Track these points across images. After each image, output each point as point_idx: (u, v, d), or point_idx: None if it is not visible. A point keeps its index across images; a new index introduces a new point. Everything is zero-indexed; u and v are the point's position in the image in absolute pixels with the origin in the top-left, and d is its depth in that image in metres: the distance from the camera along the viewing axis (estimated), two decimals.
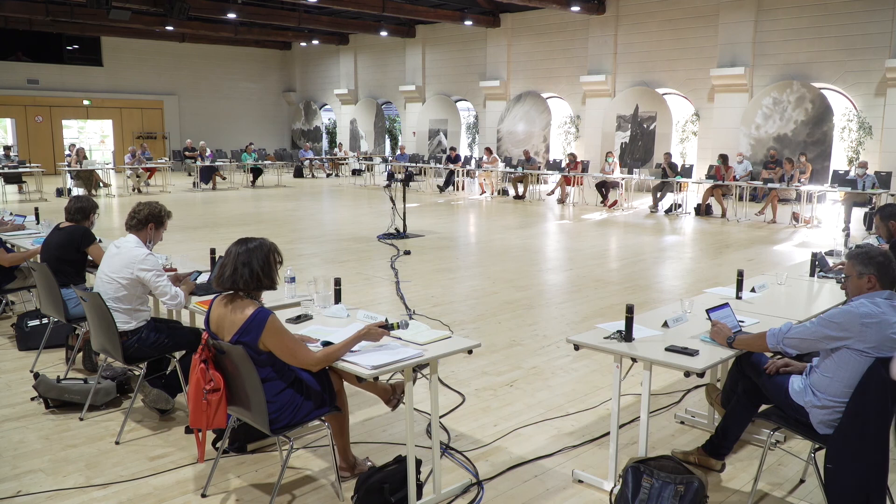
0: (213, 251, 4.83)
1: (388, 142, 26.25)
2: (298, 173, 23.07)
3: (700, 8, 17.12)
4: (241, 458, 3.71)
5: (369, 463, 3.55)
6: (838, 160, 15.33)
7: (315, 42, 26.51)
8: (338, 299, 3.97)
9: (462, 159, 18.97)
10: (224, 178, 20.34)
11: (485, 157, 18.07)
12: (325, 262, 9.07)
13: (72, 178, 17.32)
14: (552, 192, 17.05)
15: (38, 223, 7.07)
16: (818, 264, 4.91)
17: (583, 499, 3.35)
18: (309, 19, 21.55)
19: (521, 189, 17.06)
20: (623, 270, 8.76)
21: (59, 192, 16.52)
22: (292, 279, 4.17)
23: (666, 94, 18.24)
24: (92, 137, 25.81)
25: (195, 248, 9.54)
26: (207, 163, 19.14)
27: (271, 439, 3.80)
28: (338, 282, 4.01)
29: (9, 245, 5.99)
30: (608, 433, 3.86)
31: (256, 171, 20.20)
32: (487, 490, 3.40)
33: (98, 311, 3.95)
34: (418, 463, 3.23)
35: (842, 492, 2.88)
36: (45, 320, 5.38)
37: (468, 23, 20.60)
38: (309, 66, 29.05)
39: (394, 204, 11.30)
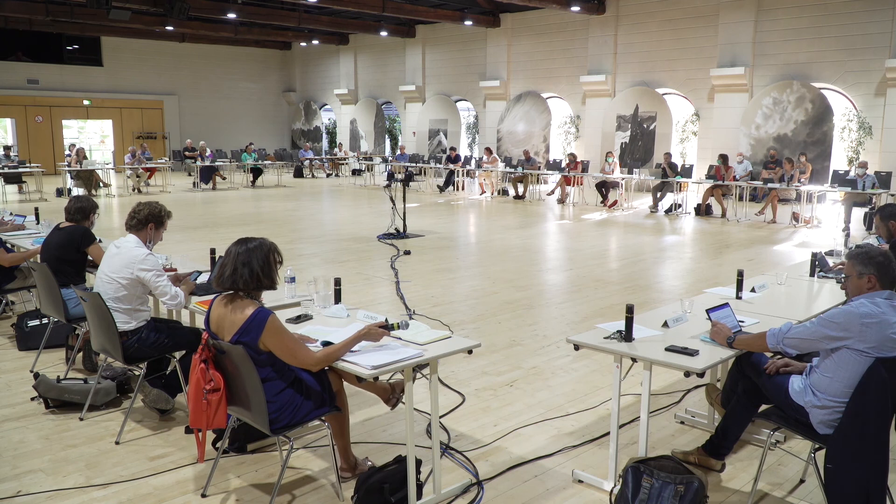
0: (213, 251, 4.83)
1: (388, 142, 26.26)
2: (298, 173, 23.07)
3: (700, 8, 17.12)
4: (241, 458, 3.71)
5: (369, 463, 3.55)
6: (838, 160, 15.33)
7: (315, 42, 26.52)
8: (338, 299, 3.97)
9: (462, 159, 18.97)
10: (224, 178, 20.35)
11: (485, 157, 18.07)
12: (325, 262, 9.07)
13: (72, 178, 17.32)
14: (552, 192, 17.05)
15: (38, 223, 7.07)
16: (818, 264, 4.91)
17: (583, 499, 3.35)
18: (309, 19, 21.55)
19: (521, 189, 17.06)
20: (623, 270, 8.76)
21: (59, 192, 16.52)
22: (292, 279, 4.17)
23: (666, 94, 18.24)
24: (92, 137, 25.81)
25: (195, 248, 9.55)
26: (207, 163, 19.14)
27: (271, 439, 3.80)
28: (338, 282, 4.01)
29: (9, 245, 5.99)
30: (608, 433, 3.86)
31: (256, 171, 20.20)
32: (487, 490, 3.40)
33: (98, 311, 3.95)
34: (418, 463, 3.23)
35: (842, 492, 2.88)
36: (45, 320, 5.38)
37: (468, 23, 20.61)
38: (309, 66, 29.06)
39: (394, 204, 11.31)
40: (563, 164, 16.37)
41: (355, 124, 26.48)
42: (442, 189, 18.67)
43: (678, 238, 11.60)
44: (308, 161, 23.56)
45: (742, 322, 3.57)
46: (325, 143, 28.04)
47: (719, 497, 3.35)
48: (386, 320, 3.32)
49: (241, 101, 28.62)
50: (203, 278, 4.45)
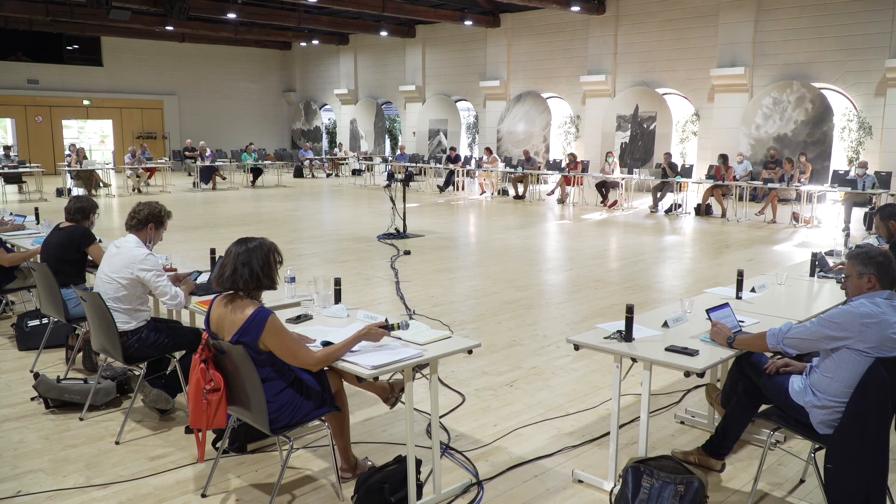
0: (213, 251, 4.83)
1: (388, 142, 26.26)
2: (298, 173, 23.08)
3: (700, 8, 17.12)
4: (241, 458, 3.71)
5: (369, 463, 3.55)
6: (838, 160, 15.33)
7: (315, 42, 26.52)
8: (338, 299, 3.97)
9: (462, 159, 18.97)
10: (224, 178, 20.35)
11: (485, 157, 18.07)
12: (325, 262, 9.07)
13: (72, 178, 17.32)
14: (552, 192, 17.05)
15: (38, 223, 7.07)
16: (818, 264, 4.91)
17: (583, 499, 3.35)
18: (309, 19, 21.55)
19: (521, 189, 17.06)
20: (623, 270, 8.76)
21: (59, 192, 16.52)
22: (292, 279, 4.17)
23: (666, 94, 18.24)
24: (92, 137, 25.81)
25: (195, 248, 9.55)
26: (207, 163, 19.14)
27: (271, 439, 3.80)
28: (338, 282, 4.01)
29: (9, 245, 5.99)
30: (608, 433, 3.86)
31: (256, 171, 20.20)
32: (487, 490, 3.40)
33: (98, 311, 3.95)
34: (418, 463, 3.23)
35: (842, 492, 2.88)
36: (45, 320, 5.38)
37: (468, 23, 20.61)
38: (309, 66, 29.06)
39: (394, 204, 11.31)
40: (563, 164, 16.36)
41: (355, 124, 26.48)
42: (442, 189, 18.68)
43: (678, 238, 11.60)
44: (308, 161, 23.56)
45: (742, 322, 3.57)
46: (325, 143, 28.04)
47: (719, 497, 3.35)
48: (386, 320, 3.32)
49: (241, 101, 28.63)
50: (203, 278, 4.45)
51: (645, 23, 18.21)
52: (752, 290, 4.40)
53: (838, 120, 15.30)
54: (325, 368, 3.22)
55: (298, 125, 29.07)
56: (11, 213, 7.53)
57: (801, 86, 15.54)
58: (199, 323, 4.03)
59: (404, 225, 11.20)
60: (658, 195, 14.69)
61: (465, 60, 22.88)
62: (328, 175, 23.92)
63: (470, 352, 3.41)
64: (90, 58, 25.11)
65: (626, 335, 3.32)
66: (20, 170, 16.69)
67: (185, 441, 3.90)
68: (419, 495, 3.21)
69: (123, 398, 4.44)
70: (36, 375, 4.43)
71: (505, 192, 17.81)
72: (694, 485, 2.94)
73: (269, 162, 21.42)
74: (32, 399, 4.44)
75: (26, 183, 16.60)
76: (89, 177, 17.09)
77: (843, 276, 3.37)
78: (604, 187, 15.54)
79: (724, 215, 13.66)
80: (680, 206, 14.39)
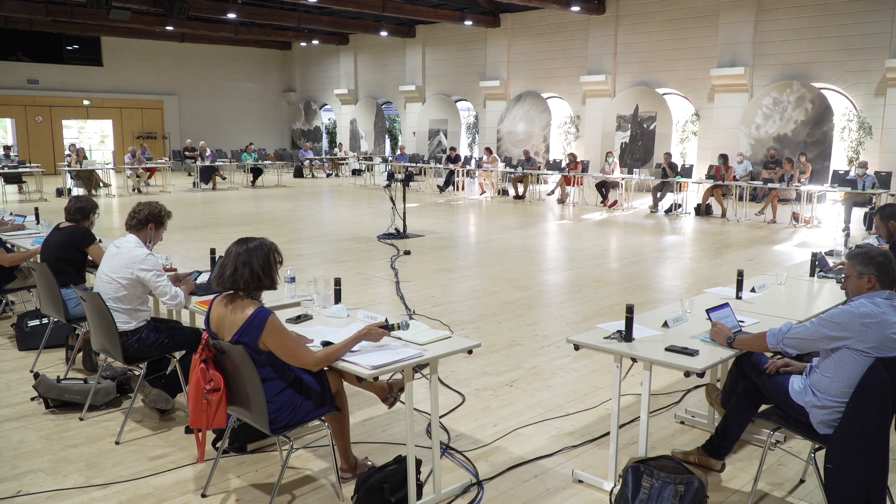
0: (213, 251, 4.83)
1: (388, 142, 26.26)
2: (298, 173, 23.08)
3: (700, 8, 17.12)
4: (241, 458, 3.71)
5: (369, 463, 3.55)
6: (838, 160, 15.33)
7: (315, 42, 26.52)
8: (338, 299, 3.97)
9: (462, 159, 18.97)
10: (224, 178, 20.35)
11: (485, 157, 18.07)
12: (325, 262, 9.07)
13: (72, 178, 17.32)
14: (552, 192, 17.05)
15: (38, 223, 7.07)
16: (818, 264, 4.91)
17: (583, 499, 3.35)
18: (309, 19, 21.55)
19: (521, 189, 17.06)
20: (623, 270, 8.76)
21: (59, 192, 16.52)
22: (292, 279, 4.17)
23: (666, 94, 18.24)
24: (92, 137, 25.81)
25: (195, 248, 9.55)
26: (207, 163, 19.14)
27: (271, 439, 3.80)
28: (338, 282, 4.01)
29: (9, 245, 5.99)
30: (608, 433, 3.86)
31: (256, 171, 20.20)
32: (487, 490, 3.40)
33: (98, 311, 3.95)
34: (418, 463, 3.23)
35: (842, 492, 2.88)
36: (45, 320, 5.38)
37: (468, 23, 20.60)
38: (309, 66, 29.06)
39: (394, 204, 11.31)
40: (563, 164, 16.36)
41: (355, 124, 26.48)
42: (442, 189, 18.67)
43: (678, 238, 11.60)
44: (308, 161, 23.57)
45: (742, 322, 3.57)
46: (325, 143, 28.04)
47: (719, 497, 3.35)
48: (386, 320, 3.32)
49: (241, 101, 28.63)
50: (203, 278, 4.45)
51: (645, 23, 18.21)
52: (752, 290, 4.40)
53: (838, 120, 15.30)
54: (325, 368, 3.22)
55: (298, 125, 29.07)
56: (11, 213, 7.53)
57: (801, 86, 15.54)
58: (199, 323, 4.03)
59: (404, 225, 11.20)
60: (658, 195, 14.69)
61: (465, 60, 22.88)
62: (328, 175, 23.92)
63: (470, 352, 3.41)
64: (90, 58, 25.11)
65: (626, 335, 3.32)
66: (20, 170, 16.69)
67: (185, 441, 3.90)
68: (419, 495, 3.21)
69: (123, 398, 4.44)
70: (36, 375, 4.43)
71: (505, 192, 17.81)
72: (694, 485, 2.94)
73: (269, 162, 21.43)
74: (32, 399, 4.44)
75: (26, 183, 16.60)
76: (89, 177, 17.09)
77: (843, 276, 3.37)
78: (604, 187, 15.54)
79: (724, 215, 13.66)
80: (680, 206, 14.39)
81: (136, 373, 4.50)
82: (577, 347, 3.42)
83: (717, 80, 16.75)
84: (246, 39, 26.56)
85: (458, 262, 9.20)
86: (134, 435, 3.98)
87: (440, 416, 4.08)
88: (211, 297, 3.63)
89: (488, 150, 18.23)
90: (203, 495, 3.34)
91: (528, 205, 16.00)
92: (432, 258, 9.38)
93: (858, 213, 12.18)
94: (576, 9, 18.05)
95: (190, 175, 21.54)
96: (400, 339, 3.32)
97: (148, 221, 4.18)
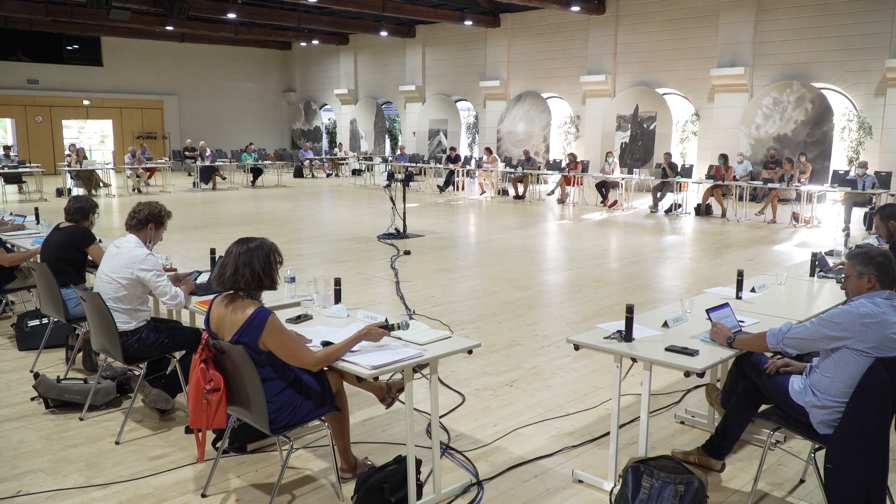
0: (213, 251, 4.83)
1: (388, 142, 26.26)
2: (298, 173, 23.08)
3: (700, 8, 17.12)
4: (241, 458, 3.71)
5: (369, 463, 3.55)
6: (838, 160, 15.33)
7: (315, 42, 26.52)
8: (338, 299, 3.97)
9: (462, 159, 18.97)
10: (224, 178, 20.35)
11: (485, 157, 18.07)
12: (325, 262, 9.07)
13: (72, 178, 17.32)
14: (552, 192, 17.05)
15: (38, 223, 7.07)
16: (818, 264, 4.91)
17: (583, 499, 3.35)
18: (309, 19, 21.55)
19: (521, 189, 17.06)
20: (623, 270, 8.76)
21: (59, 192, 16.52)
22: (292, 279, 4.17)
23: (666, 94, 18.24)
24: (92, 137, 25.81)
25: (195, 248, 9.55)
26: (207, 163, 19.14)
27: (271, 439, 3.80)
28: (338, 282, 4.01)
29: (9, 245, 5.99)
30: (608, 433, 3.86)
31: (256, 171, 20.20)
32: (487, 490, 3.40)
33: (98, 311, 3.95)
34: (418, 463, 3.23)
35: (842, 492, 2.88)
36: (45, 320, 5.38)
37: (468, 23, 20.60)
38: (309, 66, 29.06)
39: (394, 204, 11.31)
40: (563, 164, 16.36)
41: (355, 124, 26.48)
42: (442, 189, 18.67)
43: (678, 238, 11.60)
44: (308, 161, 23.57)
45: (742, 322, 3.57)
46: (325, 143, 28.04)
47: (719, 497, 3.35)
48: (386, 320, 3.32)
49: (241, 101, 28.63)
50: (203, 278, 4.45)
51: (645, 23, 18.21)
52: (752, 290, 4.40)
53: (838, 120, 15.30)
54: (325, 368, 3.22)
55: (298, 125, 29.07)
56: (11, 213, 7.53)
57: (801, 86, 15.54)
58: (199, 323, 4.03)
59: (404, 225, 11.20)
60: (658, 195, 14.69)
61: (465, 60, 22.88)
62: (328, 175, 23.92)
63: (470, 352, 3.41)
64: (90, 58, 25.11)
65: (626, 335, 3.32)
66: (20, 170, 16.69)
67: (185, 441, 3.90)
68: (419, 495, 3.21)
69: (123, 398, 4.44)
70: (36, 375, 4.43)
71: (505, 192, 17.81)
72: (694, 485, 2.94)
73: (269, 162, 21.43)
74: (32, 399, 4.44)
75: (26, 183, 16.60)
76: (89, 177, 17.09)
77: (843, 276, 3.37)
78: (604, 187, 15.54)
79: (724, 215, 13.66)
80: (680, 206, 14.39)
81: (136, 373, 4.50)
82: (577, 347, 3.42)
83: (717, 80, 16.75)
84: (246, 39, 26.56)
85: (458, 262, 9.20)
86: (134, 435, 3.98)
87: (440, 416, 4.08)
88: (211, 297, 3.63)
89: (488, 150, 18.23)
90: (203, 495, 3.34)
91: (528, 205, 16.00)
92: (432, 258, 9.38)
93: (858, 213, 12.18)
94: (576, 9, 18.05)
95: (190, 175, 21.54)
96: (400, 339, 3.32)
97: (148, 221, 4.19)
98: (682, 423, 4.20)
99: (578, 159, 16.39)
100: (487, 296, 7.32)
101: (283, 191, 18.90)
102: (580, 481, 3.49)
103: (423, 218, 13.23)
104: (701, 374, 3.24)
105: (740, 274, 4.33)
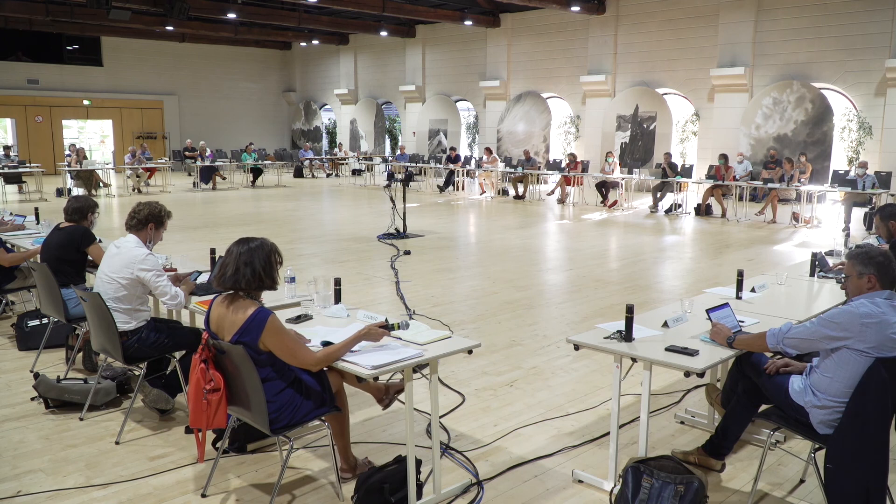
0: (213, 251, 4.83)
1: (388, 142, 26.26)
2: (298, 173, 23.08)
3: (700, 8, 17.12)
4: (241, 458, 3.71)
5: (369, 463, 3.55)
6: (838, 160, 15.33)
7: (315, 42, 26.52)
8: (338, 299, 3.97)
9: (462, 159, 18.97)
10: (224, 178, 20.35)
11: (485, 157, 18.07)
12: (325, 262, 9.07)
13: (72, 178, 17.32)
14: (552, 192, 17.05)
15: (38, 223, 7.07)
16: (818, 264, 4.91)
17: (583, 499, 3.35)
18: (309, 19, 21.55)
19: (521, 189, 17.06)
20: (623, 270, 8.76)
21: (59, 192, 16.52)
22: (292, 279, 4.17)
23: (666, 94, 18.24)
24: (92, 137, 25.81)
25: (195, 248, 9.55)
26: (207, 163, 19.14)
27: (271, 439, 3.80)
28: (338, 282, 4.01)
29: (9, 245, 5.99)
30: (608, 433, 3.86)
31: (256, 171, 20.20)
32: (487, 490, 3.40)
33: (98, 311, 3.95)
34: (418, 463, 3.23)
35: (842, 492, 2.88)
36: (45, 320, 5.38)
37: (468, 23, 20.60)
38: (309, 66, 29.06)
39: (394, 204, 11.31)
40: (563, 164, 16.36)
41: (355, 124, 26.48)
42: (442, 189, 18.67)
43: (678, 238, 11.60)
44: (308, 161, 23.56)
45: (742, 322, 3.57)
46: (325, 143, 28.04)
47: (719, 497, 3.35)
48: (386, 320, 3.32)
49: (241, 101, 28.63)
50: (203, 278, 4.45)
51: (645, 23, 18.21)
52: (752, 290, 4.40)
53: (838, 120, 15.30)
54: (325, 368, 3.22)
55: (298, 125, 29.07)
56: (11, 213, 7.53)
57: (801, 86, 15.54)
58: (199, 323, 4.03)
59: (404, 225, 11.20)
60: (658, 195, 14.69)
61: (465, 60, 22.88)
62: (328, 175, 23.92)
63: (470, 352, 3.41)
64: (90, 58, 25.11)
65: (626, 335, 3.32)
66: (20, 170, 16.68)
67: (185, 441, 3.90)
68: (419, 495, 3.21)
69: (123, 398, 4.44)
70: (36, 375, 4.43)
71: (505, 192, 17.81)
72: (694, 485, 2.94)
73: (269, 162, 21.43)
74: (32, 399, 4.44)
75: (26, 183, 16.60)
76: (89, 177, 17.09)
77: (843, 276, 3.37)
78: (604, 187, 15.54)
79: (724, 215, 13.66)
80: (680, 206, 14.39)
81: (136, 373, 4.50)
82: (577, 347, 3.42)
83: (717, 80, 16.75)
84: (246, 39, 26.56)
85: (458, 262, 9.20)
86: (134, 435, 3.98)
87: (440, 416, 4.08)
88: (211, 297, 3.63)
89: (488, 150, 18.23)
90: (203, 495, 3.34)
91: (528, 205, 16.00)
92: (432, 258, 9.38)
93: (858, 213, 12.18)
94: (576, 9, 18.05)
95: (190, 175, 21.54)
96: (400, 339, 3.32)
97: (148, 221, 4.19)
98: (682, 423, 4.20)
99: (578, 159, 16.39)
100: (487, 296, 7.32)
101: (283, 191, 18.90)
102: (580, 481, 3.49)
103: (423, 218, 13.23)
104: (701, 374, 3.24)
105: (740, 274, 4.33)
